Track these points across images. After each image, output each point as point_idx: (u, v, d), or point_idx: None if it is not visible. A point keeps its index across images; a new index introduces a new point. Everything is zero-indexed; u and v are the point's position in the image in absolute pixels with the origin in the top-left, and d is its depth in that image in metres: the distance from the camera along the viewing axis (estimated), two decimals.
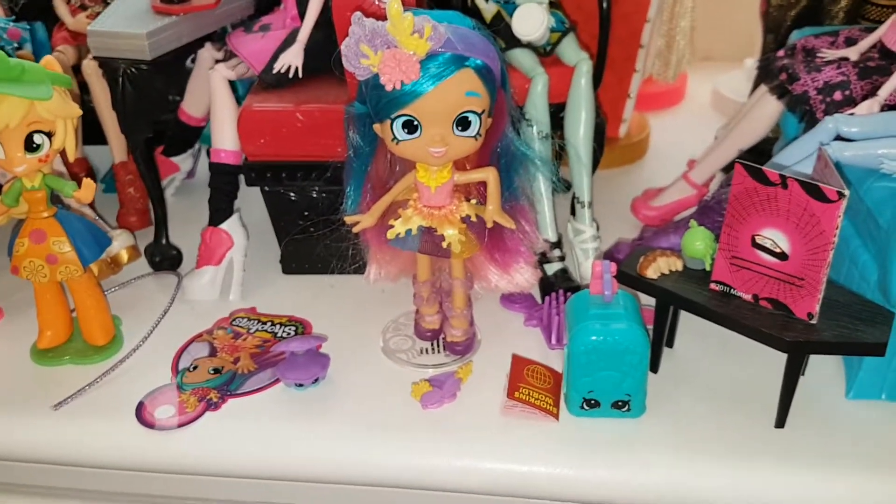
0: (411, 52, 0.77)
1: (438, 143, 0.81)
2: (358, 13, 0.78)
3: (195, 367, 0.97)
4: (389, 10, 0.76)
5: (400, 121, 0.81)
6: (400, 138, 0.82)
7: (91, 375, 0.96)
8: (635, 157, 1.52)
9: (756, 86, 1.27)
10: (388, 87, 0.78)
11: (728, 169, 1.23)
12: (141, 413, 0.91)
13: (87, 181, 0.91)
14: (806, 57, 1.11)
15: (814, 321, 0.83)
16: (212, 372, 0.96)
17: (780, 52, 1.15)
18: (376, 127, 0.85)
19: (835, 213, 0.77)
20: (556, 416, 0.88)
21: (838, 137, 0.96)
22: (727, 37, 1.88)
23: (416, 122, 0.81)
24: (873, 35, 1.07)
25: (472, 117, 0.81)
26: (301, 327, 1.04)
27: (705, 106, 1.75)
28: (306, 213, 1.10)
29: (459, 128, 0.81)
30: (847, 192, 0.76)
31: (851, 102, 1.01)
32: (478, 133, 0.83)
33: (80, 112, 0.92)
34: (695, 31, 1.51)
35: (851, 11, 1.26)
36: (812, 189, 0.78)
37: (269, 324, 1.05)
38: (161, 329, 1.04)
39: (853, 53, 1.07)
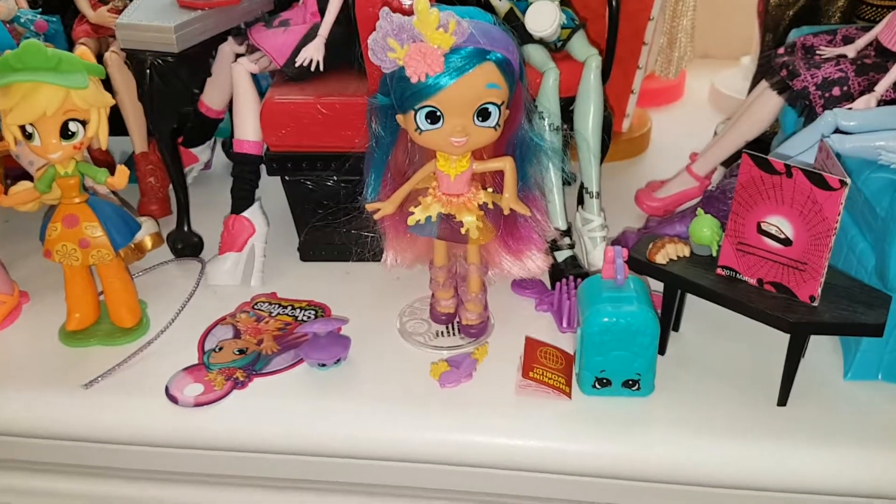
0: (436, 45, 0.81)
1: (460, 133, 0.85)
2: (385, 8, 0.82)
3: (220, 349, 1.00)
4: (417, 5, 0.79)
5: (423, 111, 0.84)
6: (423, 128, 0.86)
7: (119, 357, 0.99)
8: (637, 151, 1.56)
9: (755, 82, 1.31)
10: (414, 80, 0.82)
11: (728, 162, 1.28)
12: (170, 391, 0.94)
13: (120, 167, 0.95)
14: (805, 54, 1.15)
15: (816, 304, 0.88)
16: (237, 353, 0.99)
17: (781, 50, 1.19)
18: (399, 118, 0.88)
19: (837, 200, 0.81)
20: (569, 395, 0.93)
21: (837, 131, 1.00)
22: (725, 36, 1.92)
23: (438, 113, 0.84)
24: (870, 33, 1.12)
25: (492, 108, 0.85)
26: (321, 311, 1.08)
27: (703, 102, 1.79)
28: (325, 203, 1.14)
29: (480, 118, 0.85)
30: (849, 181, 0.80)
31: (849, 98, 1.06)
32: (497, 123, 0.87)
33: (113, 101, 0.95)
34: (695, 29, 1.55)
35: (847, 11, 1.30)
36: (815, 178, 0.82)
37: (289, 308, 1.08)
38: (186, 312, 1.07)
39: (850, 51, 1.12)
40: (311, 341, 0.98)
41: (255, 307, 1.08)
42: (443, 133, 0.86)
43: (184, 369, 0.97)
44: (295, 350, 0.99)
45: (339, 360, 0.97)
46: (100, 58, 1.26)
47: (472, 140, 0.87)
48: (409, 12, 0.81)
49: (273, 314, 1.07)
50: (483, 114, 0.85)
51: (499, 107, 0.86)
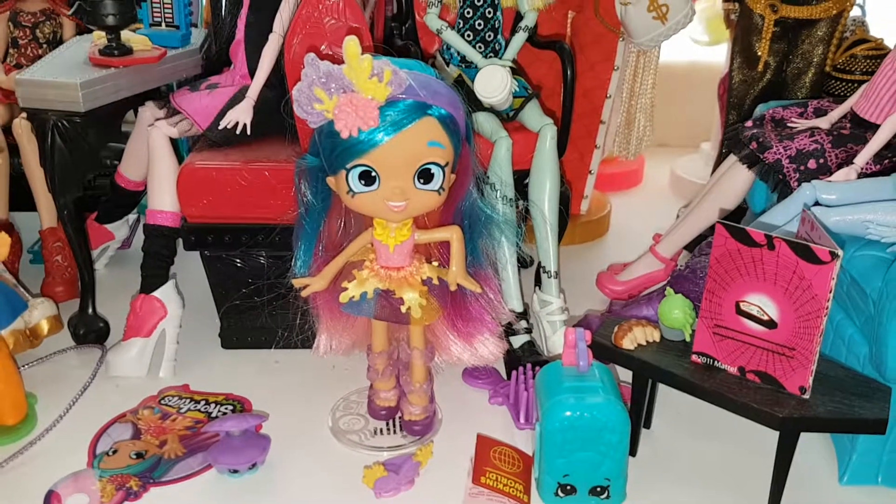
0: (369, 96, 0.71)
1: (398, 197, 0.74)
2: (311, 54, 0.72)
3: (115, 451, 0.85)
4: (346, 49, 0.69)
5: (356, 171, 0.74)
6: (356, 190, 0.75)
7: None
8: (597, 234, 1.47)
9: (719, 162, 1.24)
10: (344, 135, 0.71)
11: (691, 246, 1.19)
12: (49, 503, 0.78)
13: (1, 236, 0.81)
14: (776, 126, 1.08)
15: (806, 396, 0.76)
16: (133, 457, 0.84)
17: (749, 123, 1.12)
18: (330, 180, 0.78)
19: (828, 274, 0.71)
20: None
21: (815, 205, 0.92)
22: (682, 126, 1.89)
23: (373, 174, 0.74)
24: (844, 105, 1.05)
25: (434, 169, 0.75)
26: (240, 406, 0.94)
27: (663, 188, 1.73)
28: (250, 281, 1.01)
29: (421, 180, 0.75)
30: (840, 253, 0.70)
31: (826, 171, 0.98)
32: (441, 187, 0.76)
33: None
34: (654, 107, 1.48)
35: (816, 86, 1.24)
36: (802, 249, 0.72)
37: (202, 402, 0.94)
38: (79, 408, 0.92)
39: (824, 123, 1.05)
40: (223, 442, 0.83)
41: (162, 402, 0.94)
42: (379, 196, 0.75)
43: (69, 476, 0.82)
44: (203, 453, 0.84)
45: (254, 465, 0.83)
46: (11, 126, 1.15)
47: (412, 205, 0.76)
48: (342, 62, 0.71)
49: (182, 410, 0.92)
50: (424, 175, 0.75)
51: (443, 168, 0.75)
